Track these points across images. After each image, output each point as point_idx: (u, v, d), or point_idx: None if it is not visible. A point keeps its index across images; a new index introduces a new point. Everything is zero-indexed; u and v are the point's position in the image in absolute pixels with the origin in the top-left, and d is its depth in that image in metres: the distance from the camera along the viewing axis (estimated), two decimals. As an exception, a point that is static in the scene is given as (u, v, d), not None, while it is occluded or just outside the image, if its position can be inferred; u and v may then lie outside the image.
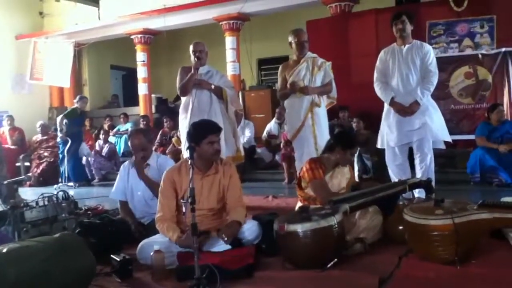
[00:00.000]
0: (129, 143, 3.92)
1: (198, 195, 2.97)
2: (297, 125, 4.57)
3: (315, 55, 4.65)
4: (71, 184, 7.82)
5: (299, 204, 3.58)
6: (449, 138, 4.45)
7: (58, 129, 8.07)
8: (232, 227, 2.94)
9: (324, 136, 4.50)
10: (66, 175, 7.91)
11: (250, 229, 3.02)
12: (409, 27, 4.35)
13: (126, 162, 3.95)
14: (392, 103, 4.36)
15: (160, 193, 3.11)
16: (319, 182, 3.39)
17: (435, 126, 4.30)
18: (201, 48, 4.49)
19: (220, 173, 3.13)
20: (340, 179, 3.52)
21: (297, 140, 4.63)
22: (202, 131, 3.05)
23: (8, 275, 2.06)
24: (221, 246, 2.87)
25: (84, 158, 8.35)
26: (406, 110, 4.29)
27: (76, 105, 8.20)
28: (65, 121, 7.92)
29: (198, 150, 2.97)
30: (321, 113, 4.59)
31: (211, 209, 3.10)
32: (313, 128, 4.51)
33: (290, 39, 4.60)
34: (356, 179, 3.71)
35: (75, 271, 2.33)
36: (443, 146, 4.49)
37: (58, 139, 8.22)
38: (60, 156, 8.14)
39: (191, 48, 4.51)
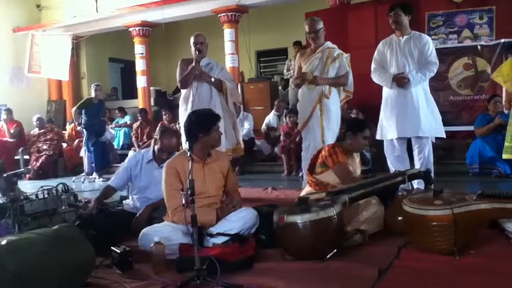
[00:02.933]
0: (156, 137, 3.79)
1: (202, 184, 3.01)
2: (306, 115, 4.56)
3: (334, 46, 4.58)
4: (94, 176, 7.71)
5: (308, 189, 3.59)
6: (443, 134, 4.44)
7: (75, 122, 7.95)
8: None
9: (331, 128, 4.48)
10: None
11: (245, 217, 3.01)
12: (404, 19, 4.33)
13: (139, 154, 3.79)
14: (393, 78, 4.32)
15: (168, 187, 3.02)
16: (343, 167, 3.44)
17: (430, 122, 4.30)
18: (201, 40, 4.47)
19: (218, 160, 3.18)
20: (354, 167, 3.58)
21: (306, 131, 4.61)
22: (211, 119, 3.09)
23: (8, 267, 2.05)
24: (221, 238, 2.89)
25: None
26: (398, 77, 4.26)
27: (92, 95, 7.93)
28: (76, 110, 7.76)
29: (206, 138, 3.01)
30: (331, 105, 4.50)
31: (217, 196, 3.13)
32: (321, 119, 4.46)
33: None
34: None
35: (74, 263, 2.32)
36: (433, 140, 4.49)
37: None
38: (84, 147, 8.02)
39: (191, 40, 4.49)
